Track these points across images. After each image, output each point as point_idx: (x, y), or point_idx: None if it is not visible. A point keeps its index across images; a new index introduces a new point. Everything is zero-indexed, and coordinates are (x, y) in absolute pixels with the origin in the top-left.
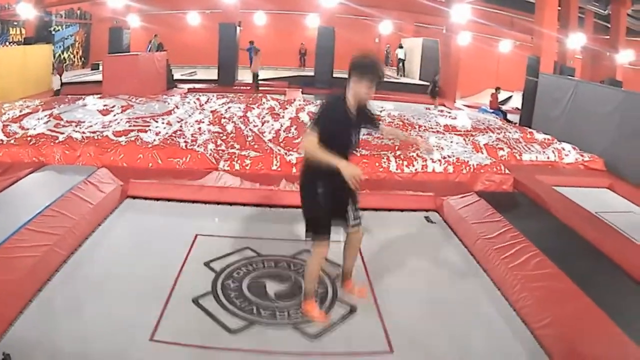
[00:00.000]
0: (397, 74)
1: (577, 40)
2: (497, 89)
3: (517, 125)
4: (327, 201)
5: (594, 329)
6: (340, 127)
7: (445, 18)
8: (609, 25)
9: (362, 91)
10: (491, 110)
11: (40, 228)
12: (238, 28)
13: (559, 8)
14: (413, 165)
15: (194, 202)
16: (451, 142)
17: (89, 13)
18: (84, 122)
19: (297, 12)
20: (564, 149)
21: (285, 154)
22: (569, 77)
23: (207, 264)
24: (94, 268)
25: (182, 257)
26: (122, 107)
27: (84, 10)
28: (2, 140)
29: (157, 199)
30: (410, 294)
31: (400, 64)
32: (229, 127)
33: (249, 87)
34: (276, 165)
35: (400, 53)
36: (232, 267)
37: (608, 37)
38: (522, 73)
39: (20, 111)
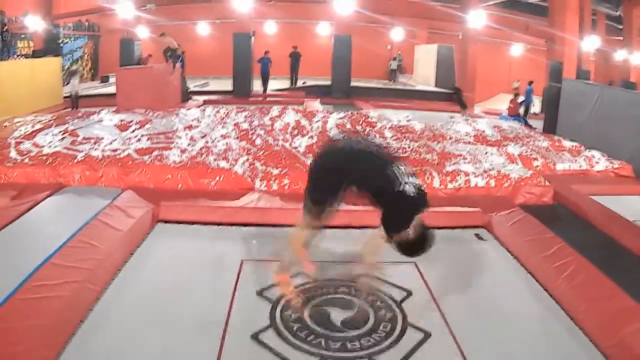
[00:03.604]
0: (390, 81)
1: (591, 43)
2: (516, 94)
3: (542, 132)
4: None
5: None
6: None
7: (460, 24)
8: (621, 27)
9: None
10: (512, 117)
11: (68, 262)
12: (252, 38)
13: None
14: (456, 181)
15: (232, 225)
16: (486, 153)
17: (97, 25)
18: (102, 138)
19: (311, 20)
20: (594, 157)
21: None
22: (593, 82)
23: (259, 293)
24: (133, 304)
25: (230, 286)
26: (139, 122)
27: (92, 22)
28: (15, 159)
29: (192, 223)
30: (479, 314)
31: (393, 73)
32: (258, 142)
33: (262, 98)
34: None
35: (393, 64)
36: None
37: (621, 38)
38: (534, 76)
39: (33, 126)
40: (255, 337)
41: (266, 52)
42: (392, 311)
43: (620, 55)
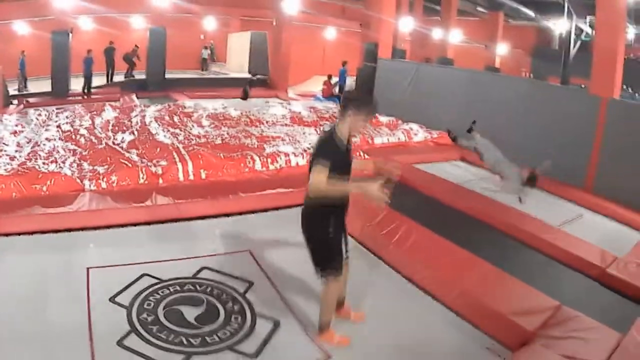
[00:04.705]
0: (202, 70)
1: (407, 24)
2: (330, 76)
3: None
4: (337, 237)
5: (500, 287)
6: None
7: (274, 10)
8: (439, 8)
9: (359, 124)
10: (326, 98)
11: None
12: (70, 35)
13: None
14: (277, 162)
15: (70, 230)
16: (303, 133)
17: None
18: None
19: (128, 14)
20: (412, 129)
21: (149, 165)
22: (407, 60)
23: (112, 300)
24: None
25: (83, 296)
26: None
27: None
28: None
29: (31, 233)
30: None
31: (204, 62)
32: (82, 142)
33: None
34: (143, 178)
35: (204, 53)
36: (139, 298)
37: (439, 18)
38: (350, 58)
39: None
40: (120, 343)
41: (89, 51)
42: (239, 303)
43: (437, 34)
